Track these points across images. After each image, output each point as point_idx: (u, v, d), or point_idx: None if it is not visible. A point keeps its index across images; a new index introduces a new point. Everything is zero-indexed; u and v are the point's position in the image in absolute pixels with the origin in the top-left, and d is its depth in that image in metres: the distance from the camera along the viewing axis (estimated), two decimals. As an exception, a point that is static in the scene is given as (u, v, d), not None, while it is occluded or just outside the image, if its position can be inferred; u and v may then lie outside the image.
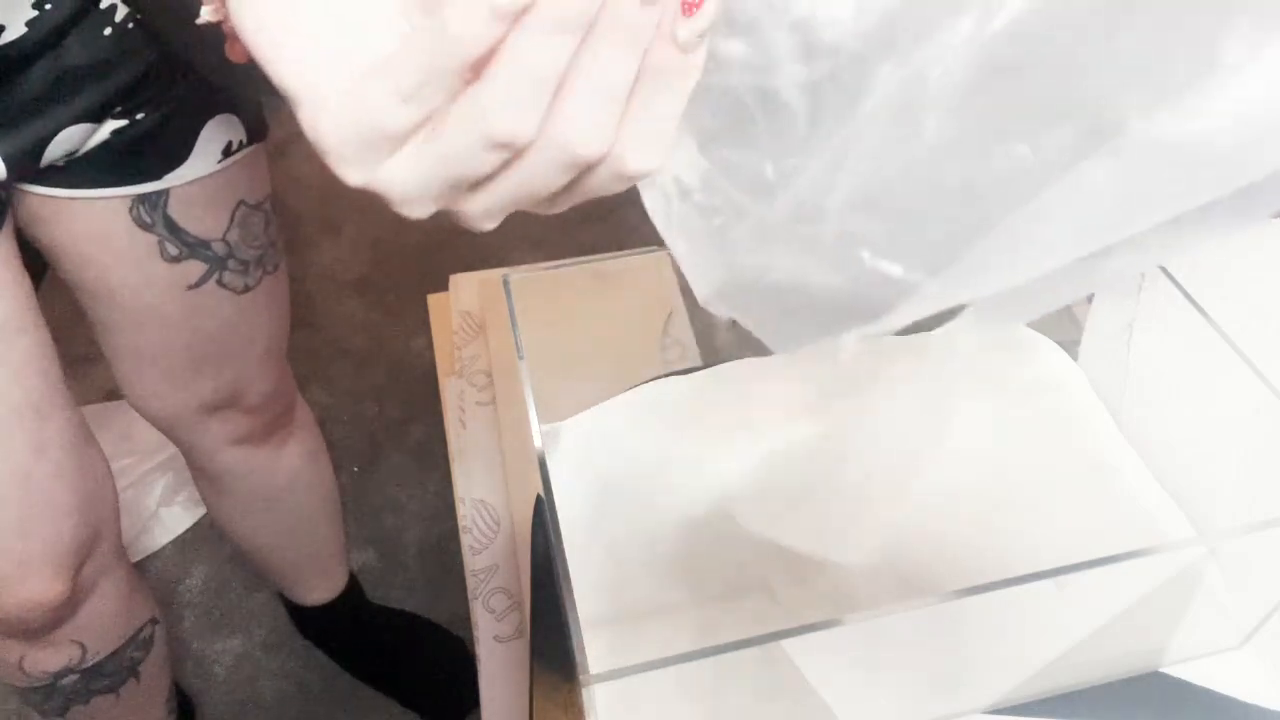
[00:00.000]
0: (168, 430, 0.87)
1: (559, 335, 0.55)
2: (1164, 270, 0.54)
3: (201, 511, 1.41)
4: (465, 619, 0.63)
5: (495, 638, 0.60)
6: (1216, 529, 0.52)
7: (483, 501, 0.66)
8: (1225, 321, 0.50)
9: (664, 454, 0.59)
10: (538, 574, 0.60)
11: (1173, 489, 0.56)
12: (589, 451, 0.59)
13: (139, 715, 0.92)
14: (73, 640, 0.79)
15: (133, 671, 0.88)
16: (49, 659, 0.79)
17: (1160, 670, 0.51)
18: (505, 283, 0.54)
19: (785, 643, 0.39)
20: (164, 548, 1.38)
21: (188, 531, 1.39)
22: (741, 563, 0.54)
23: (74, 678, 0.81)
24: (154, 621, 0.89)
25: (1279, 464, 0.48)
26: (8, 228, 0.63)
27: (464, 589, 0.63)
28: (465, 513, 0.65)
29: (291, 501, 1.01)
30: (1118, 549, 0.41)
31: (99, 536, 0.76)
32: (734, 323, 0.55)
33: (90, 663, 0.81)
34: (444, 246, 1.79)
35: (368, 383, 1.58)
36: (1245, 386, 0.48)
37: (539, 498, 0.62)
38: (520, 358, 0.50)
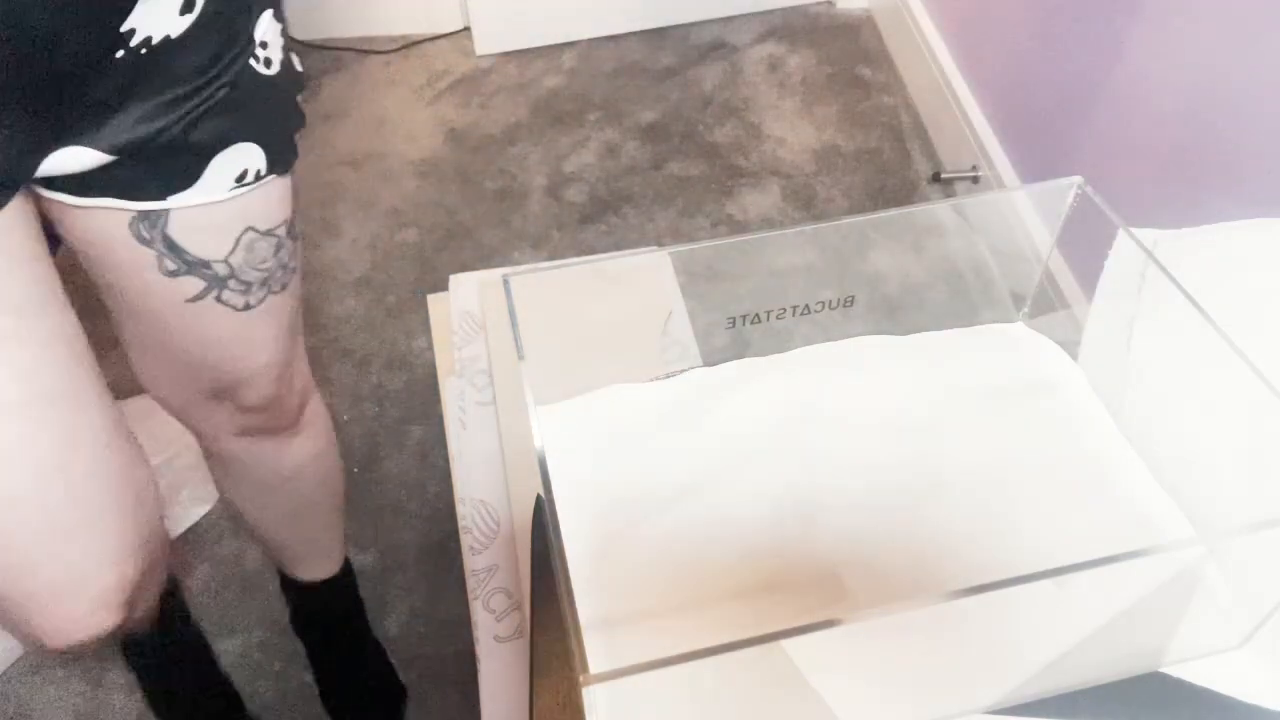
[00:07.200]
0: (176, 413, 0.89)
1: (559, 335, 0.55)
2: (1164, 270, 0.54)
3: (201, 511, 1.41)
4: (465, 619, 0.63)
5: (495, 638, 0.60)
6: (1216, 529, 0.52)
7: (483, 501, 0.66)
8: (1225, 321, 0.50)
9: (664, 454, 0.59)
10: (538, 574, 0.60)
11: (1173, 489, 0.55)
12: (589, 452, 0.59)
13: None
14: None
15: None
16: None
17: (1160, 670, 0.51)
18: (505, 282, 0.54)
19: (785, 643, 0.39)
20: (164, 548, 1.38)
21: (188, 531, 1.39)
22: (741, 563, 0.54)
23: None
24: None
25: (1279, 464, 0.48)
26: (27, 207, 0.62)
27: (464, 589, 0.62)
28: (465, 513, 0.65)
29: (292, 491, 1.04)
30: (1118, 549, 0.41)
31: (150, 566, 0.76)
32: (734, 322, 0.57)
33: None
34: (444, 246, 1.79)
35: (368, 383, 1.58)
36: (1245, 386, 0.48)
37: (539, 498, 0.62)
38: (520, 358, 0.50)
